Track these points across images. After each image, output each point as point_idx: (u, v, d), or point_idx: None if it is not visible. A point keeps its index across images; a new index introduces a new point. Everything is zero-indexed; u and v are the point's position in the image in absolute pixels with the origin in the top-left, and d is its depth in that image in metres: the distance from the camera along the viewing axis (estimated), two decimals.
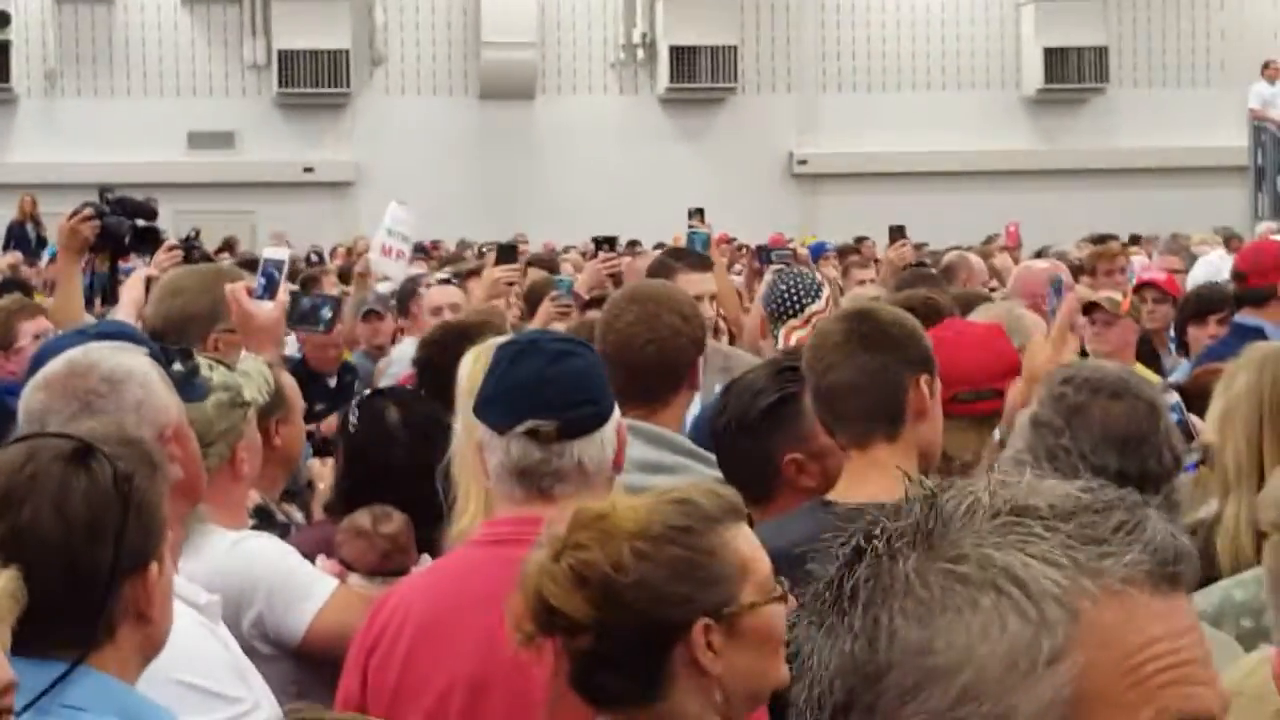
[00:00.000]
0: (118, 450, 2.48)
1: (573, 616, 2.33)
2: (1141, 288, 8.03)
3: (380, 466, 4.07)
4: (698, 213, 10.52)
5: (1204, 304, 7.25)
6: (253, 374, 3.77)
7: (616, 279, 7.52)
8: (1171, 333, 7.78)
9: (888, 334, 3.47)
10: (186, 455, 3.05)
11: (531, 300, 7.46)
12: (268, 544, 3.75)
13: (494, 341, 3.96)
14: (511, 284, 7.63)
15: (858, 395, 3.42)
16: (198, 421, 3.44)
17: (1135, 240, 14.22)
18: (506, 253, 7.84)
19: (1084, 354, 5.60)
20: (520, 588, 2.38)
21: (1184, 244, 12.96)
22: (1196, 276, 9.55)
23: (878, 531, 1.22)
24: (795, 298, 6.21)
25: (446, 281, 8.30)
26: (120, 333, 3.82)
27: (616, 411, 3.16)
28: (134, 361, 3.08)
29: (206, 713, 2.78)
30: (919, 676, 1.17)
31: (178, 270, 5.20)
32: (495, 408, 3.06)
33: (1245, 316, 6.77)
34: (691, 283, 6.07)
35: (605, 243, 8.62)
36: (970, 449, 3.98)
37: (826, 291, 6.25)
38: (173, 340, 3.93)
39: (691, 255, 6.81)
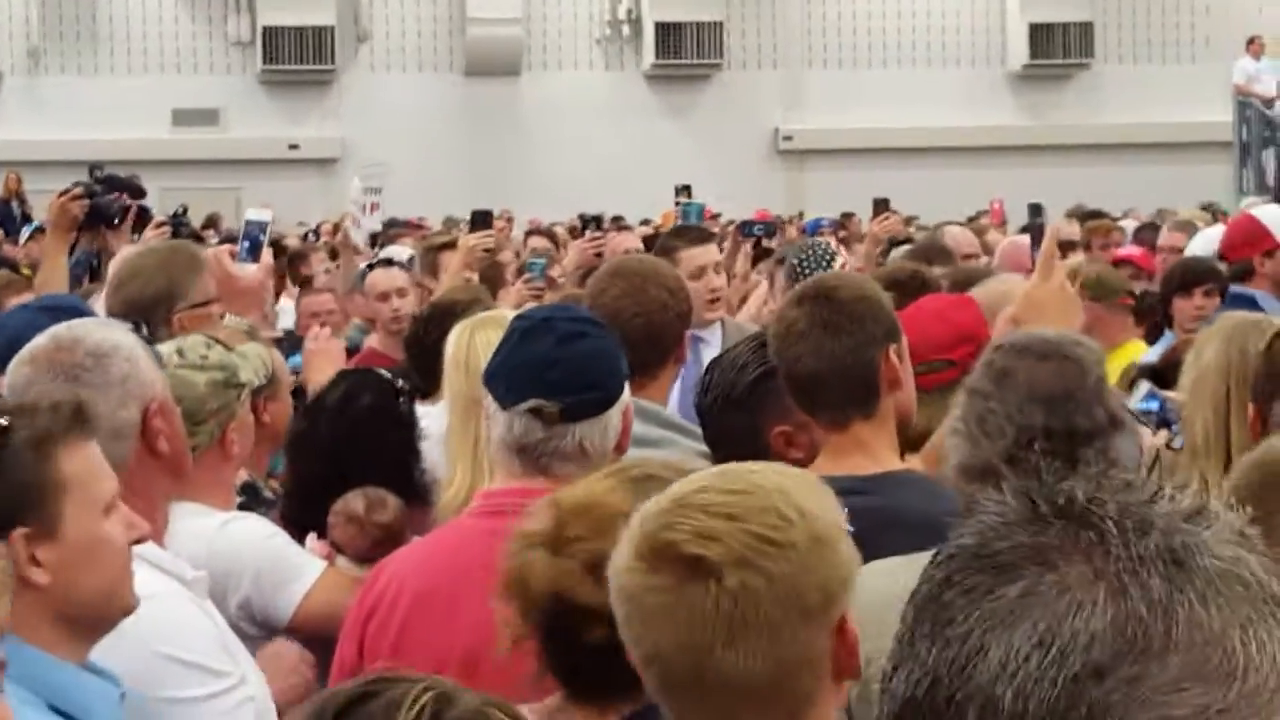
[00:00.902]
0: (16, 419, 2.49)
1: (598, 610, 2.34)
2: (1116, 265, 8.06)
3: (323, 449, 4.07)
4: (684, 189, 10.53)
5: (1189, 276, 7.27)
6: (250, 356, 3.76)
7: (603, 258, 7.51)
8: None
9: (851, 314, 3.45)
10: (171, 430, 3.06)
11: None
12: (256, 525, 3.75)
13: (483, 316, 3.98)
14: (488, 250, 7.60)
15: (830, 383, 3.42)
16: (189, 399, 3.44)
17: (1096, 215, 14.19)
18: (481, 219, 7.81)
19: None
20: (523, 589, 2.39)
21: (1178, 219, 12.93)
22: (1195, 250, 9.62)
23: (1147, 504, 1.15)
24: (805, 268, 6.24)
25: (389, 263, 8.15)
26: (66, 305, 3.82)
27: (626, 393, 3.17)
28: (119, 336, 3.08)
29: (191, 686, 2.78)
30: (1203, 669, 1.10)
31: (130, 252, 5.16)
32: (502, 382, 3.08)
33: (1238, 287, 6.88)
34: (694, 256, 6.09)
35: (591, 221, 8.63)
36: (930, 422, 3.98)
37: (841, 259, 6.27)
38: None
39: (690, 231, 6.80)
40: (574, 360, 3.05)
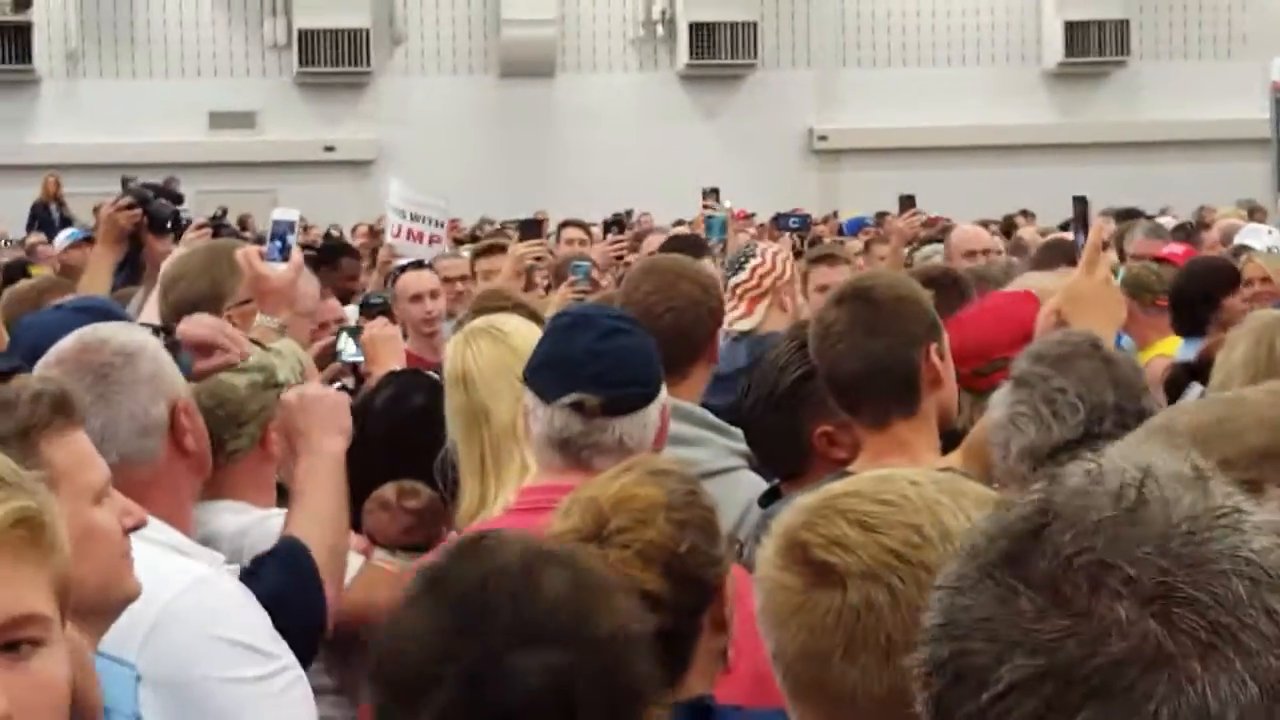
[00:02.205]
0: None
1: (656, 595, 2.36)
2: (1158, 263, 8.00)
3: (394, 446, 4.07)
4: (713, 193, 10.41)
5: (1235, 274, 7.27)
6: (286, 354, 3.78)
7: (623, 260, 7.51)
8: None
9: (890, 313, 3.45)
10: (196, 429, 3.09)
11: (561, 275, 7.47)
12: None
13: (474, 326, 3.94)
14: (538, 259, 7.62)
15: (870, 383, 3.42)
16: (232, 402, 3.47)
17: (1131, 214, 14.08)
18: (531, 228, 7.82)
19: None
20: None
21: (1153, 226, 12.86)
22: (1245, 242, 9.68)
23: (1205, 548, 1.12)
24: (736, 264, 6.23)
25: (419, 265, 8.09)
26: (98, 306, 3.85)
27: (663, 393, 3.18)
28: (144, 337, 3.12)
29: (243, 666, 2.81)
30: None
31: (172, 258, 5.19)
32: (543, 377, 3.10)
33: None
34: None
35: (614, 225, 8.64)
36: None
37: (761, 247, 6.21)
38: None
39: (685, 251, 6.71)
40: (615, 355, 3.07)
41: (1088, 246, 3.80)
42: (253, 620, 2.89)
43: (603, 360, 3.06)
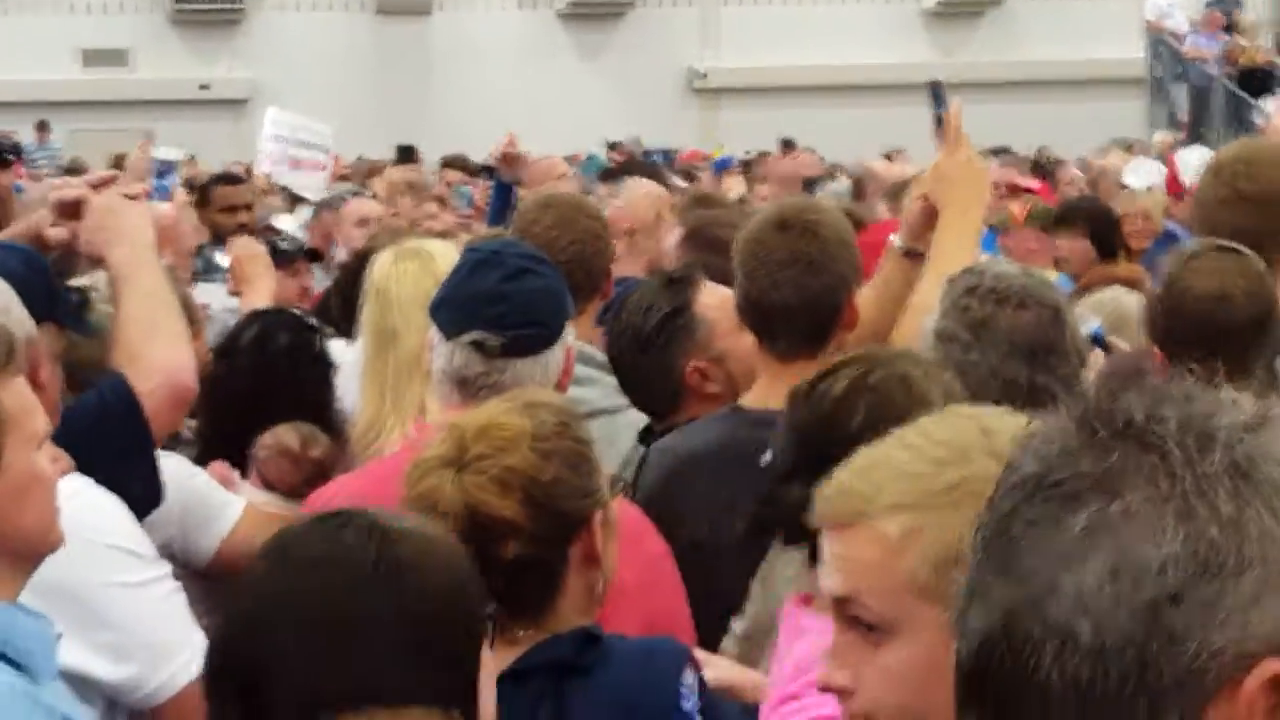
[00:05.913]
0: None
1: (512, 521, 2.35)
2: (1014, 193, 8.11)
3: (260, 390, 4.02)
4: (616, 146, 10.49)
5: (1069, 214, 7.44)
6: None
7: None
8: None
9: (833, 253, 3.46)
10: (48, 368, 3.05)
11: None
12: (179, 465, 3.73)
13: (406, 246, 3.93)
14: (411, 184, 7.59)
15: (799, 318, 3.43)
16: None
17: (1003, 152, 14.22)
18: (406, 154, 7.79)
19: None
20: (431, 511, 2.37)
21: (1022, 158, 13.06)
22: (1128, 179, 9.86)
23: (1209, 417, 1.14)
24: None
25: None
26: (15, 247, 3.79)
27: (569, 334, 3.16)
28: None
29: (134, 571, 2.87)
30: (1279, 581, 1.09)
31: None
32: (447, 312, 3.07)
33: (1170, 222, 7.18)
34: None
35: (486, 170, 8.61)
36: None
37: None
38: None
39: None
40: (519, 296, 3.04)
41: (948, 126, 3.81)
42: (129, 527, 2.92)
43: (507, 300, 3.03)
